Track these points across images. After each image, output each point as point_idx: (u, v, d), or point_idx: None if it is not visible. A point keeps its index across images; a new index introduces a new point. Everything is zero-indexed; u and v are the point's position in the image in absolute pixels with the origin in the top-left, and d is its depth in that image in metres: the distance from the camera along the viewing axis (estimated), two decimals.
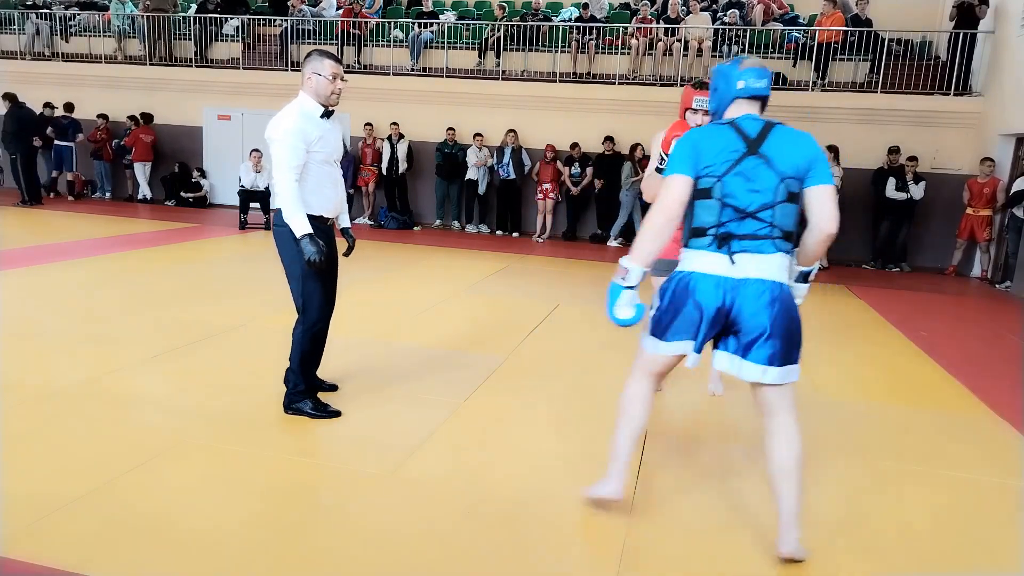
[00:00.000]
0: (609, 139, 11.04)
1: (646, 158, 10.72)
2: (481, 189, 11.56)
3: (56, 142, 12.35)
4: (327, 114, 3.37)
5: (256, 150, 10.97)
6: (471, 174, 11.52)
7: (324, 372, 3.86)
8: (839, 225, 2.40)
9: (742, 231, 2.36)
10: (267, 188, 10.82)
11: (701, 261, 2.41)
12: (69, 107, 12.70)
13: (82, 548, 2.32)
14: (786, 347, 2.46)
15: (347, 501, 2.75)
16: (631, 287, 2.52)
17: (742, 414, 3.98)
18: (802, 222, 2.44)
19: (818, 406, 4.23)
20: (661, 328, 2.53)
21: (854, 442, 3.68)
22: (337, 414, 3.54)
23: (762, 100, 2.49)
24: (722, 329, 2.46)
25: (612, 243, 10.99)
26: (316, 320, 3.45)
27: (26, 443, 3.06)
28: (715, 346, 2.51)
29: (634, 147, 10.87)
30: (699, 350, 2.51)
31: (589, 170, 11.11)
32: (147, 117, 12.82)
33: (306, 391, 3.54)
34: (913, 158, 10.02)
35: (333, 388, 3.88)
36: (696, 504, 2.91)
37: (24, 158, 11.27)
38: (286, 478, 2.89)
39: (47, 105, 12.59)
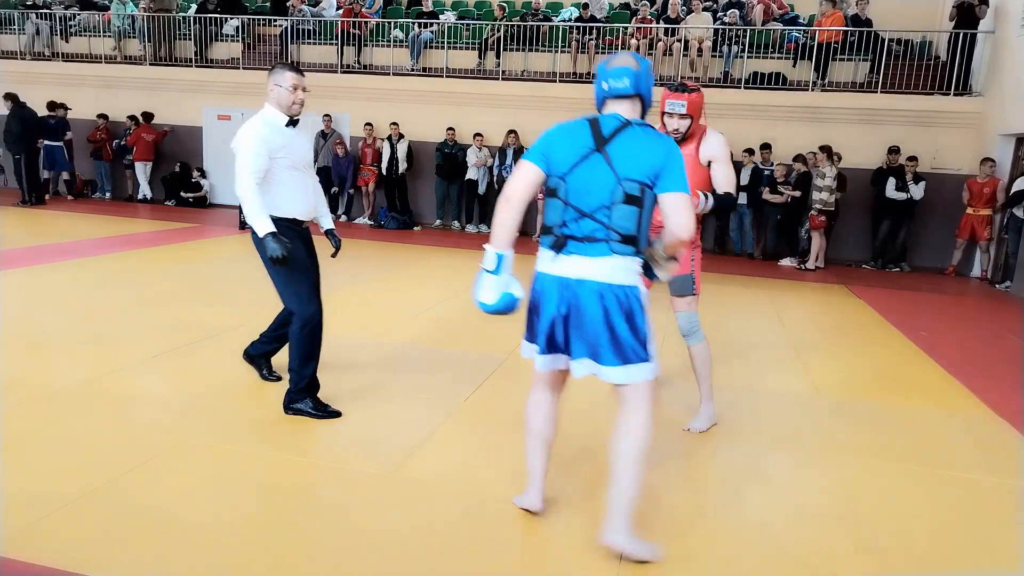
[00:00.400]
0: None
1: None
2: (481, 189, 11.56)
3: (46, 142, 12.32)
4: (292, 123, 3.54)
5: None
6: (471, 174, 11.52)
7: (324, 371, 3.86)
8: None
9: (580, 232, 2.33)
10: None
11: (545, 261, 2.42)
12: (54, 106, 12.63)
13: (82, 548, 2.32)
14: (625, 348, 2.37)
15: (347, 501, 2.75)
16: (490, 271, 2.47)
17: (742, 414, 3.98)
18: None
19: (818, 406, 4.23)
20: (529, 331, 2.53)
21: (854, 442, 3.68)
22: (337, 414, 3.55)
23: (635, 99, 2.43)
24: (567, 333, 2.41)
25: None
26: (309, 315, 3.49)
27: (26, 443, 3.06)
28: (570, 355, 2.45)
29: None
30: (544, 351, 2.46)
31: None
32: (148, 116, 12.82)
33: (307, 389, 3.55)
34: (913, 158, 10.02)
35: (278, 379, 3.92)
36: (695, 504, 2.91)
37: (27, 158, 11.31)
38: (286, 478, 2.89)
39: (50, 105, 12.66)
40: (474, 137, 11.42)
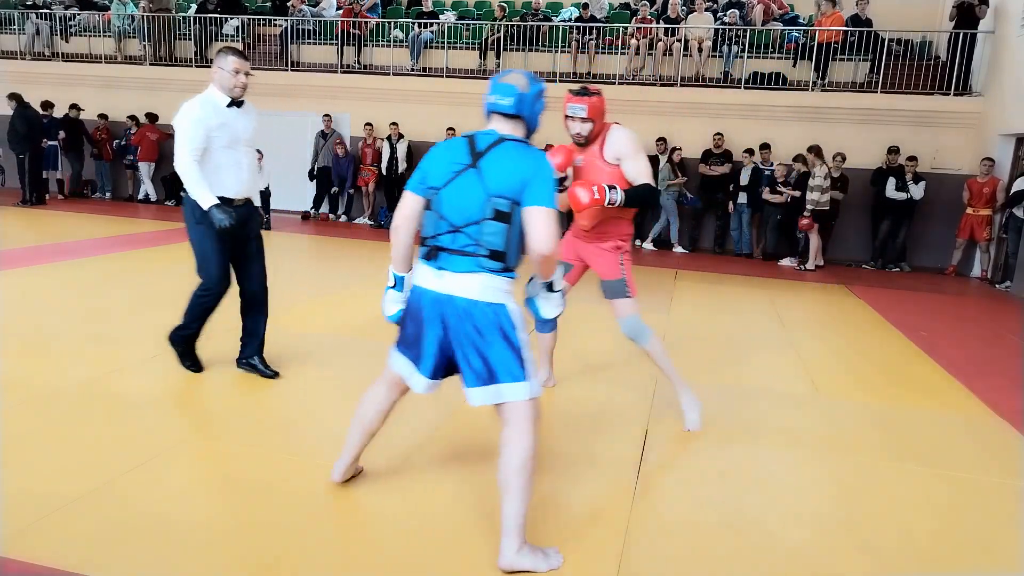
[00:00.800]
0: None
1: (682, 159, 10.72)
2: None
3: (50, 142, 12.34)
4: (236, 104, 3.74)
5: (256, 150, 10.94)
6: None
7: (324, 371, 3.86)
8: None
9: (452, 246, 2.34)
10: (267, 188, 10.82)
11: (420, 273, 2.45)
12: (47, 105, 12.62)
13: (82, 548, 2.32)
14: (495, 367, 2.32)
15: (347, 501, 2.75)
16: (392, 287, 2.66)
17: (741, 414, 3.98)
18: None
19: (817, 406, 4.23)
20: (399, 336, 2.55)
21: (853, 441, 3.68)
22: (200, 370, 3.98)
23: (517, 120, 2.43)
24: (445, 351, 2.41)
25: (678, 249, 10.83)
26: (211, 288, 3.78)
27: (26, 443, 3.06)
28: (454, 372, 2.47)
29: (674, 149, 10.74)
30: (430, 375, 2.46)
31: None
32: (152, 116, 12.81)
33: (183, 342, 3.96)
34: (912, 158, 10.02)
35: (275, 374, 4.03)
36: (696, 504, 2.91)
37: (31, 158, 11.35)
38: (285, 478, 2.89)
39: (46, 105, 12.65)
40: None
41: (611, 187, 3.28)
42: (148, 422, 3.35)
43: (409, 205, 2.48)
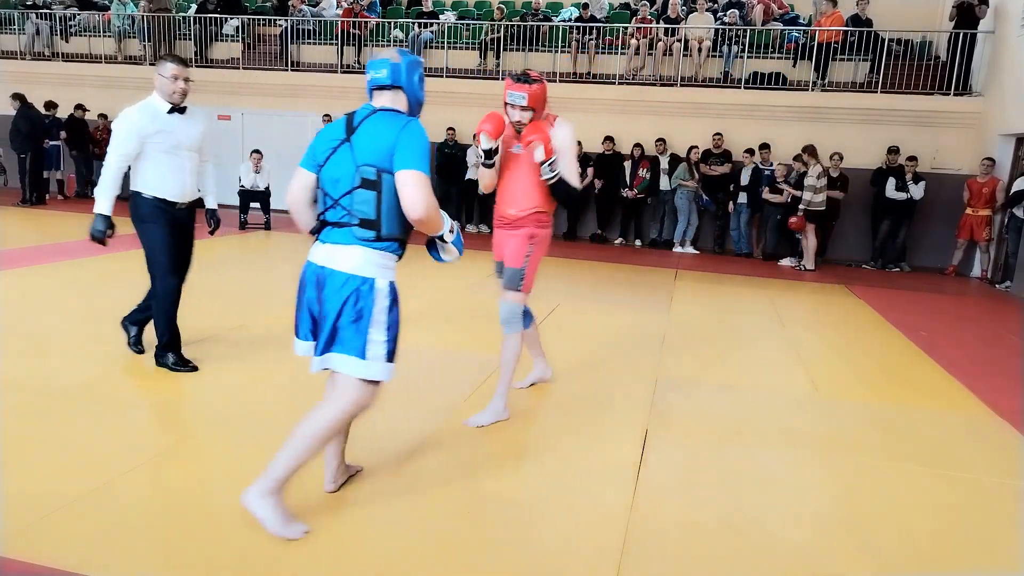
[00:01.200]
0: (609, 139, 11.04)
1: (699, 159, 10.66)
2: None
3: (51, 142, 12.35)
4: (179, 110, 3.83)
5: (256, 151, 10.96)
6: (471, 174, 11.52)
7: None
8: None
9: (332, 219, 2.43)
10: (267, 188, 10.83)
11: (312, 248, 2.52)
12: (51, 106, 12.64)
13: (82, 548, 2.32)
14: (333, 336, 2.39)
15: (346, 501, 2.75)
16: None
17: (741, 414, 3.98)
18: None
19: (817, 406, 4.23)
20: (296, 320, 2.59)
21: (854, 442, 3.68)
22: (195, 368, 4.01)
23: (396, 91, 2.58)
24: (315, 316, 2.47)
25: (678, 249, 10.80)
26: (164, 289, 3.90)
27: (26, 443, 3.06)
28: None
29: (692, 148, 10.68)
30: (302, 337, 2.51)
31: (589, 170, 11.11)
32: None
33: (167, 346, 4.00)
34: (912, 158, 10.02)
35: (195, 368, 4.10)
36: (696, 504, 2.91)
37: (33, 157, 11.38)
38: None
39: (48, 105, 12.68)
40: (474, 137, 11.39)
41: (550, 162, 3.31)
42: (148, 422, 3.35)
43: (297, 179, 2.54)
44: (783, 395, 4.37)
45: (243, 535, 2.46)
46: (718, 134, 10.72)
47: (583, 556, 2.46)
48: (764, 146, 10.47)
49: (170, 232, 3.87)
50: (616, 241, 11.38)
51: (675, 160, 10.89)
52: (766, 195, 10.19)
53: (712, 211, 10.87)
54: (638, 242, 11.36)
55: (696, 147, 10.67)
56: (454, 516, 2.69)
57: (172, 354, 4.03)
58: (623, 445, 3.42)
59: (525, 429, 3.58)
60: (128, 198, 3.93)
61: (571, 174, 3.44)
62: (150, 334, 4.19)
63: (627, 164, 11.01)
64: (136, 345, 4.31)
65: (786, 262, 10.06)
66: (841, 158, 10.02)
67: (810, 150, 9.62)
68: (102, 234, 3.74)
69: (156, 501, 2.65)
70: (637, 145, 10.93)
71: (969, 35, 10.26)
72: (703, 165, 10.78)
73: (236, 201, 10.99)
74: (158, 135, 3.75)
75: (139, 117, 3.73)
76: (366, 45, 12.72)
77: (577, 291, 7.24)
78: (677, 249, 10.81)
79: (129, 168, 3.80)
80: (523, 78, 3.40)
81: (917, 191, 9.92)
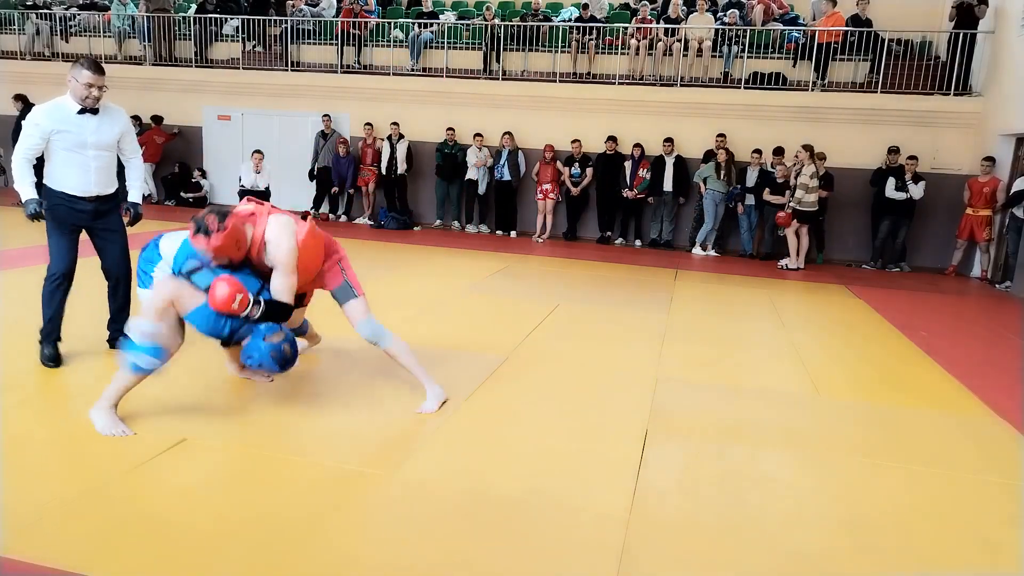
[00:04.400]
0: (612, 139, 11.03)
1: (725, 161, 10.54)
2: (481, 189, 11.55)
3: None
4: (91, 111, 3.94)
5: (258, 151, 10.96)
6: (471, 174, 11.52)
7: (326, 370, 3.86)
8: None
9: None
10: (267, 188, 10.83)
11: None
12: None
13: (82, 548, 2.32)
14: None
15: (347, 501, 2.75)
16: None
17: (741, 414, 3.98)
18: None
19: (817, 406, 4.23)
20: None
21: (853, 442, 3.68)
22: (57, 366, 4.07)
23: None
24: None
25: (698, 251, 10.66)
26: (55, 272, 4.05)
27: (26, 443, 3.06)
28: None
29: (719, 147, 10.49)
30: None
31: (589, 170, 11.11)
32: (157, 119, 12.78)
33: (46, 338, 4.09)
34: (913, 157, 10.01)
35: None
36: (696, 504, 2.91)
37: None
38: (286, 477, 2.89)
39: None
40: (474, 137, 11.42)
41: (257, 302, 3.24)
42: (147, 422, 3.35)
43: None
44: (783, 395, 4.37)
45: (243, 535, 2.46)
46: (721, 135, 10.69)
47: (583, 556, 2.46)
48: (778, 150, 10.37)
49: (70, 224, 4.05)
50: (616, 241, 11.38)
51: (680, 161, 10.89)
52: (766, 196, 10.18)
53: (729, 207, 10.65)
54: (638, 242, 11.36)
55: (724, 146, 10.48)
56: (453, 516, 2.68)
57: (48, 345, 4.10)
58: (623, 445, 3.42)
59: (525, 429, 3.58)
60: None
61: (282, 290, 3.35)
62: None
63: (627, 164, 11.00)
64: (51, 355, 4.20)
65: (785, 262, 10.05)
66: (824, 158, 9.99)
67: (809, 149, 9.61)
68: (34, 212, 3.88)
69: (156, 501, 2.65)
70: (637, 145, 10.92)
71: (969, 35, 10.25)
72: (704, 165, 10.75)
73: (236, 201, 10.97)
74: (61, 134, 3.88)
75: (45, 116, 3.86)
76: (366, 45, 12.72)
77: (577, 291, 7.24)
78: (697, 251, 10.66)
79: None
80: (202, 228, 3.16)
81: (917, 191, 9.91)
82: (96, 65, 3.91)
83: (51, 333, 4.12)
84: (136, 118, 12.82)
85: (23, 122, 3.92)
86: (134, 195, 4.39)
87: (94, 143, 4.00)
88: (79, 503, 2.59)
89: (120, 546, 2.35)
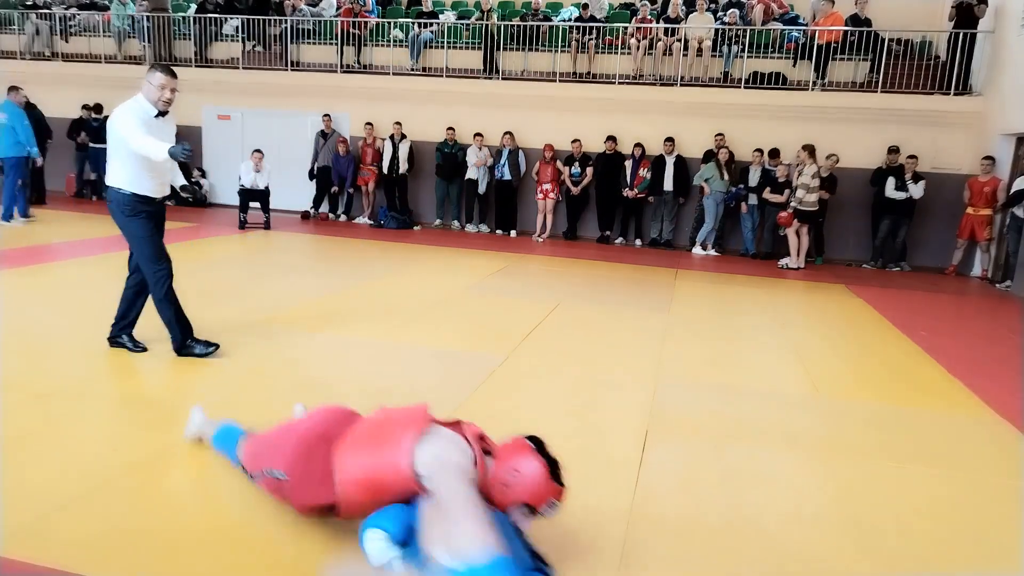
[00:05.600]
0: (611, 139, 11.03)
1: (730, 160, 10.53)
2: (481, 188, 11.55)
3: (91, 145, 12.48)
4: (161, 114, 4.06)
5: (258, 150, 10.95)
6: (471, 174, 11.52)
7: (329, 368, 3.86)
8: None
9: None
10: (267, 188, 10.83)
11: None
12: (99, 108, 12.73)
13: (81, 548, 2.32)
14: None
15: None
16: None
17: (741, 414, 3.98)
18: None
19: (818, 406, 4.23)
20: None
21: (854, 442, 3.68)
22: (217, 346, 4.31)
23: None
24: None
25: (698, 251, 10.64)
26: (158, 268, 4.17)
27: (25, 442, 3.06)
28: None
29: (720, 147, 10.50)
30: None
31: (589, 170, 11.10)
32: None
33: (185, 333, 4.29)
34: (913, 156, 10.00)
35: (144, 349, 4.35)
36: (696, 504, 2.91)
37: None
38: None
39: (85, 107, 12.82)
40: (474, 137, 11.42)
41: None
42: (147, 421, 3.35)
43: None
44: (783, 395, 4.37)
45: (244, 534, 2.46)
46: (719, 134, 10.71)
47: (583, 556, 2.46)
48: (774, 152, 10.38)
49: (154, 224, 4.20)
50: (616, 241, 11.38)
51: (681, 161, 10.88)
52: (766, 195, 10.18)
53: (731, 206, 10.64)
54: (639, 242, 11.36)
55: (725, 146, 10.50)
56: None
57: (193, 340, 4.32)
58: (623, 445, 3.42)
59: (524, 429, 3.57)
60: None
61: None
62: (149, 330, 4.21)
63: (628, 164, 11.00)
64: (137, 345, 4.37)
65: (785, 261, 10.05)
66: (837, 160, 10.00)
67: (809, 149, 9.61)
68: (187, 151, 3.86)
69: (156, 500, 2.65)
70: (638, 145, 10.92)
71: (969, 35, 10.25)
72: (704, 165, 10.76)
73: (236, 200, 10.99)
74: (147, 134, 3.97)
75: (140, 112, 3.97)
76: (366, 45, 12.72)
77: (577, 291, 7.23)
78: (697, 250, 10.66)
79: (105, 163, 4.09)
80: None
81: (917, 191, 9.91)
82: (170, 69, 4.08)
83: (183, 325, 4.31)
84: None
85: (121, 119, 3.93)
86: (180, 179, 4.54)
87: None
88: (78, 502, 2.59)
89: (120, 545, 2.35)
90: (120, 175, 4.07)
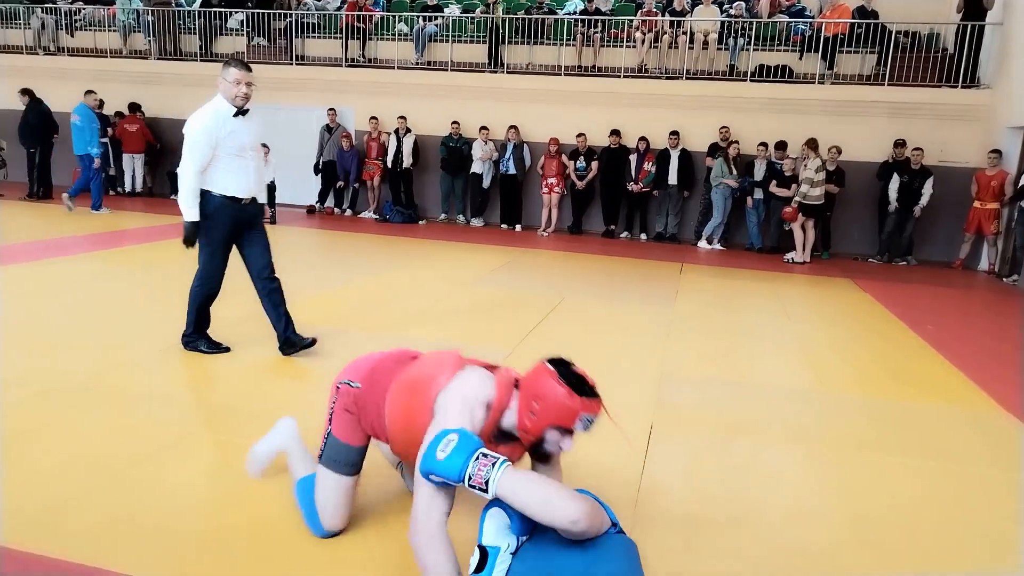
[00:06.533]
0: (615, 132, 11.00)
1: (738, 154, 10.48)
2: (486, 183, 11.54)
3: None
4: (241, 112, 4.00)
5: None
6: (476, 167, 11.51)
7: (330, 363, 3.87)
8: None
9: None
10: (272, 182, 10.83)
11: None
12: (101, 104, 12.74)
13: (89, 541, 2.34)
14: None
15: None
16: None
17: (745, 409, 3.97)
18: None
19: (823, 400, 4.22)
20: None
21: (859, 436, 3.67)
22: (227, 350, 4.31)
23: None
24: None
25: (704, 245, 10.62)
26: (208, 277, 4.19)
27: (33, 436, 3.08)
28: None
29: (730, 142, 10.47)
30: None
31: (594, 164, 11.08)
32: (133, 107, 12.73)
33: (197, 331, 4.31)
34: (918, 149, 9.92)
35: (312, 341, 4.39)
36: (700, 499, 2.91)
37: (42, 153, 11.43)
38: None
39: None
40: (480, 130, 11.39)
41: None
42: (154, 415, 3.36)
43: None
44: (788, 390, 4.36)
45: (248, 528, 2.47)
46: (724, 127, 10.67)
47: None
48: (781, 144, 10.35)
49: (231, 227, 4.11)
50: (621, 235, 11.36)
51: (686, 154, 10.84)
52: (773, 189, 10.14)
53: (736, 197, 10.56)
54: (643, 236, 11.33)
55: (736, 142, 10.45)
56: (458, 512, 2.69)
57: (203, 339, 4.32)
58: (627, 440, 3.41)
59: None
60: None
61: None
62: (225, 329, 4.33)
63: (632, 158, 10.97)
64: (303, 339, 4.37)
65: (791, 255, 10.02)
66: (839, 152, 9.95)
67: (811, 143, 9.56)
68: (190, 239, 4.05)
69: (163, 494, 2.66)
70: (642, 139, 10.89)
71: (977, 27, 10.17)
72: (709, 159, 10.72)
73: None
74: (229, 137, 3.95)
75: (214, 121, 3.91)
76: (371, 39, 12.70)
77: (582, 285, 7.23)
78: (703, 244, 10.61)
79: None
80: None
81: (927, 189, 9.79)
82: (243, 63, 4.00)
83: (200, 328, 4.34)
84: (121, 115, 12.79)
85: (191, 130, 3.90)
86: (261, 196, 4.35)
87: (250, 144, 4.09)
88: (86, 496, 2.60)
89: (127, 539, 2.37)
90: (205, 177, 4.00)
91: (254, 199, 4.19)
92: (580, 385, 2.17)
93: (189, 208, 3.98)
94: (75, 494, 2.61)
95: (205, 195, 4.01)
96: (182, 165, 3.92)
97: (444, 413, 2.13)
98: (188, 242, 4.07)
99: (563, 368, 2.22)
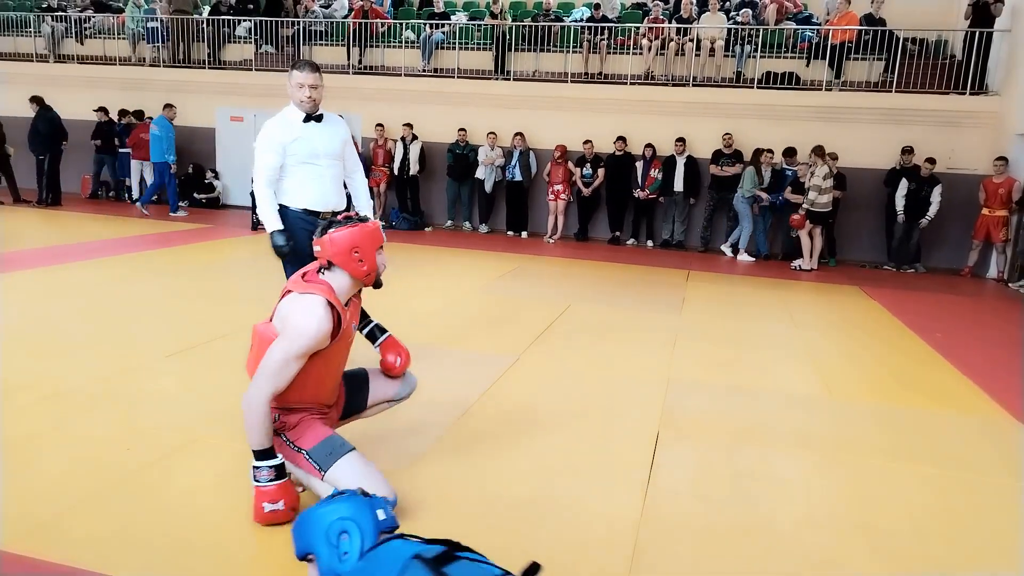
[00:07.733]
0: (621, 139, 11.00)
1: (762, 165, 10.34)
2: (488, 188, 11.52)
3: (120, 149, 12.67)
4: (315, 118, 3.80)
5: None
6: (479, 172, 11.51)
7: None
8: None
9: None
10: None
11: None
12: (123, 113, 12.86)
13: (96, 547, 2.34)
14: None
15: None
16: None
17: (753, 415, 3.95)
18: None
19: (832, 408, 4.20)
20: None
21: (867, 444, 3.65)
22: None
23: None
24: None
25: (728, 252, 10.55)
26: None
27: (40, 441, 3.09)
28: None
29: (761, 151, 10.34)
30: None
31: (601, 171, 11.08)
32: (138, 114, 12.79)
33: None
34: (931, 159, 9.88)
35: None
36: (708, 506, 2.89)
37: (51, 160, 11.51)
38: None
39: (99, 109, 12.91)
40: (487, 136, 11.41)
41: None
42: (160, 420, 3.37)
43: None
44: (795, 397, 4.34)
45: (255, 533, 2.47)
46: (727, 134, 10.67)
47: (594, 558, 2.45)
48: (790, 151, 10.33)
49: (307, 249, 3.78)
50: (628, 242, 11.35)
51: (692, 161, 10.83)
52: (787, 195, 10.09)
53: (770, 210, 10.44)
54: (650, 243, 11.32)
55: (771, 151, 10.32)
56: (463, 517, 2.68)
57: None
58: (635, 447, 3.40)
59: (535, 431, 3.57)
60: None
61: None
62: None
63: (639, 164, 10.97)
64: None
65: (799, 263, 9.99)
66: (835, 158, 9.91)
67: (818, 150, 9.54)
68: (285, 247, 3.79)
69: (169, 499, 2.66)
70: (649, 145, 10.89)
71: (985, 34, 10.15)
72: (713, 166, 10.71)
73: (249, 202, 11.04)
74: (296, 144, 3.73)
75: (278, 127, 3.73)
76: (377, 46, 12.75)
77: (588, 292, 7.22)
78: (728, 252, 10.51)
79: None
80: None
81: (935, 197, 9.75)
82: (308, 64, 3.74)
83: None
84: (124, 112, 12.85)
85: (259, 140, 3.75)
86: (365, 210, 4.11)
87: (325, 152, 3.83)
88: (92, 501, 2.60)
89: (133, 544, 2.37)
90: (279, 191, 3.81)
91: (334, 213, 3.83)
92: (359, 220, 2.64)
93: (266, 218, 3.78)
94: (82, 499, 2.62)
95: (283, 210, 3.80)
96: (254, 182, 3.78)
97: (288, 322, 2.53)
98: (279, 253, 3.81)
99: (336, 223, 2.62)
